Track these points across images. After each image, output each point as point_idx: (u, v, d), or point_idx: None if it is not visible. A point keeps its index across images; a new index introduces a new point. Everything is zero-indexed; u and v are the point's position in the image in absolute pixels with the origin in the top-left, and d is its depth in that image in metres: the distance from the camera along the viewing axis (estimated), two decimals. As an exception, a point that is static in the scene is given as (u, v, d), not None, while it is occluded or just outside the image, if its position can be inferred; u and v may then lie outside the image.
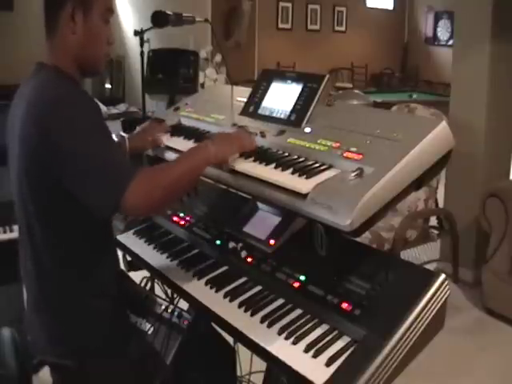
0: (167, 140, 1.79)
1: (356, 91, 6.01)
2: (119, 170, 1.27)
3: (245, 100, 1.74)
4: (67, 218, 1.37)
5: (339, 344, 1.23)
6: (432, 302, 1.23)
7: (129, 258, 1.96)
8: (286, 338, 1.27)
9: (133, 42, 6.97)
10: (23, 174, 1.36)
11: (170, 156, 1.74)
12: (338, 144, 1.41)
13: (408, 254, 3.34)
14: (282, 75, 1.68)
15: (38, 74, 1.39)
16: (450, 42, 9.58)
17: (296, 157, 1.45)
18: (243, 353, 1.70)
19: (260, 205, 1.66)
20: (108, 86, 8.60)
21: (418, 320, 1.21)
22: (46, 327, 1.45)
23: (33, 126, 1.29)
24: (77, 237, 1.40)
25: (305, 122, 1.54)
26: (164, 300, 1.81)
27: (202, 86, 6.27)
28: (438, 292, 1.25)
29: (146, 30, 3.10)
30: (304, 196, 1.27)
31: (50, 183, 1.31)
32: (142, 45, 3.49)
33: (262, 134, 1.58)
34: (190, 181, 1.39)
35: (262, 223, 1.61)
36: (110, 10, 1.45)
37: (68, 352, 1.42)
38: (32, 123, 1.29)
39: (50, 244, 1.40)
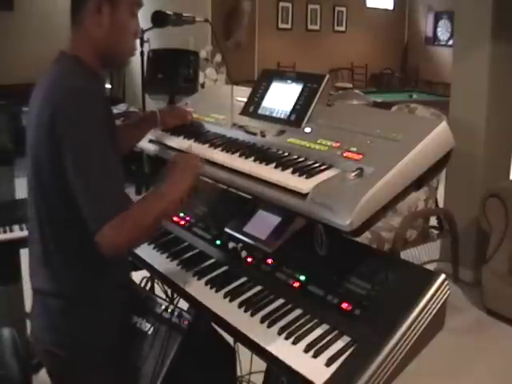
0: (167, 139, 1.79)
1: (356, 91, 6.02)
2: (104, 200, 1.26)
3: (245, 100, 1.74)
4: (74, 217, 1.33)
5: (339, 344, 1.23)
6: (432, 302, 1.23)
7: (129, 258, 1.95)
8: (286, 338, 1.27)
9: (133, 42, 6.96)
10: (34, 166, 1.35)
11: (170, 156, 1.74)
12: (338, 144, 1.41)
13: (408, 254, 3.33)
14: (282, 75, 1.68)
15: (58, 63, 1.39)
16: (450, 42, 9.57)
17: (296, 157, 1.45)
18: (243, 353, 1.70)
19: (260, 205, 1.66)
20: (108, 86, 8.60)
21: (418, 320, 1.21)
22: (54, 326, 1.43)
23: (46, 114, 1.28)
24: (86, 235, 1.35)
25: (305, 121, 1.54)
26: (164, 300, 1.81)
27: (202, 85, 6.26)
28: (438, 292, 1.25)
29: (146, 30, 3.09)
30: (304, 196, 1.27)
31: (55, 178, 1.30)
32: (142, 45, 3.49)
33: (262, 134, 1.58)
34: (160, 223, 1.41)
35: (262, 223, 1.61)
36: (138, 4, 1.43)
37: (74, 352, 1.42)
38: (45, 112, 1.29)
39: (59, 243, 1.38)
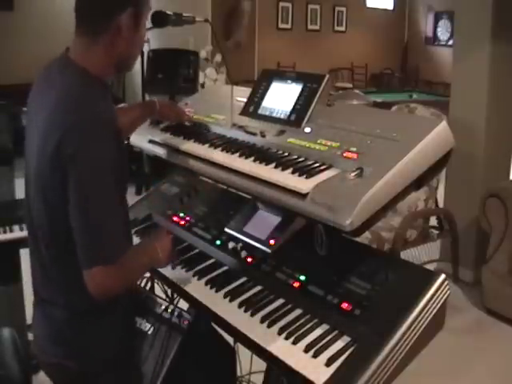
0: (168, 139, 1.79)
1: (356, 91, 6.02)
2: (102, 242, 1.25)
3: (245, 100, 1.74)
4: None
5: (339, 344, 1.23)
6: (432, 302, 1.24)
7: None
8: (286, 338, 1.27)
9: (133, 42, 6.95)
10: (37, 177, 1.31)
11: (170, 157, 1.74)
12: (337, 144, 1.41)
13: (408, 254, 3.33)
14: (282, 75, 1.68)
15: (64, 72, 1.33)
16: (450, 42, 9.57)
17: (296, 157, 1.45)
18: (243, 353, 1.70)
19: (260, 205, 1.66)
20: (108, 85, 8.59)
21: (418, 320, 1.21)
22: (59, 336, 1.40)
23: (52, 140, 1.23)
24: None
25: (305, 121, 1.54)
26: (164, 300, 1.81)
27: (202, 86, 6.27)
28: (438, 292, 1.25)
29: (146, 30, 3.10)
30: (304, 196, 1.27)
31: (60, 198, 1.26)
32: (141, 45, 3.48)
33: (262, 134, 1.58)
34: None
35: (262, 223, 1.61)
36: (150, 10, 1.43)
37: (80, 362, 1.40)
38: (51, 137, 1.24)
39: (63, 254, 1.34)
